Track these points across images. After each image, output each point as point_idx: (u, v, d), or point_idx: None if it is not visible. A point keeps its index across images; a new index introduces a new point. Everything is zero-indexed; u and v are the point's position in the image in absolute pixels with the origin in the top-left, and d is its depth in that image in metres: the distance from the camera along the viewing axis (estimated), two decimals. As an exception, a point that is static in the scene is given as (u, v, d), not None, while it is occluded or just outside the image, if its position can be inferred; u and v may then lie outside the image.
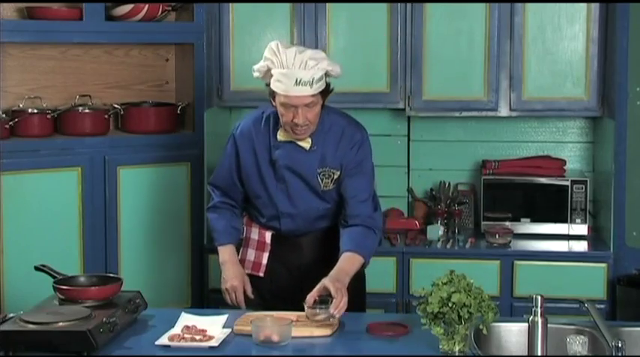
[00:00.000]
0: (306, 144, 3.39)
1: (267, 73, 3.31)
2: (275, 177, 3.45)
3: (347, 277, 3.24)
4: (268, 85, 3.32)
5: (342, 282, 3.18)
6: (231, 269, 3.49)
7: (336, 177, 3.42)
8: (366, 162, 3.45)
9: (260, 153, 3.46)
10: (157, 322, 3.15)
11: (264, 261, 3.57)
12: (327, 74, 3.30)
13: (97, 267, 4.22)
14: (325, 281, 3.14)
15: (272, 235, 3.56)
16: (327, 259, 3.40)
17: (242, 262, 3.57)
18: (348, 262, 3.30)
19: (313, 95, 3.25)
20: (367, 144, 3.46)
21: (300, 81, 3.22)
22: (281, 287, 3.55)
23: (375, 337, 3.01)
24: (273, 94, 3.32)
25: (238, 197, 3.57)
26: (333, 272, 3.23)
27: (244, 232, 3.62)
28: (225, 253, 3.52)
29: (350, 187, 3.42)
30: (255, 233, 3.60)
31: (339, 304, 3.07)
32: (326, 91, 3.32)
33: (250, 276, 3.54)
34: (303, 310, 3.11)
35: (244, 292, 3.48)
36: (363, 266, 3.38)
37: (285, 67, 3.23)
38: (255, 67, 3.36)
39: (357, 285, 3.44)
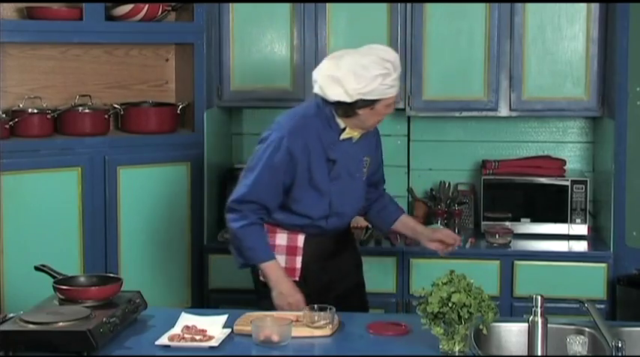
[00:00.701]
0: (358, 134, 3.50)
1: (375, 87, 3.33)
2: (329, 176, 3.48)
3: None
4: (366, 100, 3.34)
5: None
6: (288, 283, 3.45)
7: (368, 165, 3.60)
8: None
9: (315, 158, 3.44)
10: (157, 322, 3.15)
11: (298, 265, 3.54)
12: None
13: (97, 267, 4.22)
14: (443, 232, 3.79)
15: (305, 238, 3.54)
16: (349, 252, 3.68)
17: None
18: (411, 219, 3.87)
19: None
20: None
21: (396, 84, 3.43)
22: (317, 287, 3.53)
23: (375, 337, 3.01)
24: (372, 103, 3.36)
25: (274, 208, 3.49)
26: (418, 229, 3.79)
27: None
28: (275, 269, 3.46)
29: (380, 172, 3.74)
30: (283, 239, 3.55)
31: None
32: None
33: None
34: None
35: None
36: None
37: (396, 72, 3.39)
38: (367, 89, 3.33)
39: (359, 292, 3.71)
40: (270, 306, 3.41)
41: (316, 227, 3.53)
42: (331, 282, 3.57)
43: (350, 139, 3.49)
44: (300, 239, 3.54)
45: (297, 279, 3.52)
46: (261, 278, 3.52)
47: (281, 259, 3.53)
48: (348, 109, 3.38)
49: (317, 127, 3.44)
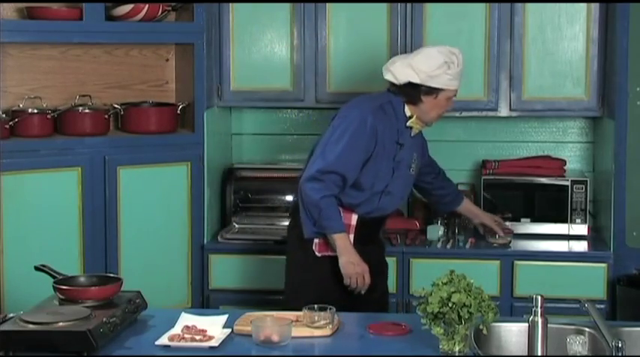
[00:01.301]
0: (417, 129, 3.82)
1: (440, 74, 3.67)
2: (395, 158, 3.75)
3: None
4: (430, 87, 3.67)
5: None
6: (356, 254, 3.68)
7: (417, 162, 3.91)
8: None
9: (389, 134, 3.72)
10: (157, 322, 3.15)
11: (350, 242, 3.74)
12: None
13: (97, 267, 4.22)
14: (490, 216, 4.35)
15: (358, 218, 3.75)
16: (374, 247, 3.91)
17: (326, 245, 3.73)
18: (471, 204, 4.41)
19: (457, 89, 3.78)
20: None
21: (458, 77, 3.74)
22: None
23: (375, 337, 3.01)
24: (436, 92, 3.69)
25: (352, 180, 3.71)
26: (477, 212, 4.37)
27: None
28: (346, 240, 3.69)
29: (431, 161, 4.22)
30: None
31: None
32: None
33: (333, 257, 3.70)
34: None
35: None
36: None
37: (458, 66, 3.70)
38: (435, 72, 3.67)
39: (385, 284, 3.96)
40: (298, 306, 3.42)
41: (369, 204, 3.75)
42: (371, 264, 3.75)
43: (410, 131, 3.77)
44: (354, 218, 3.75)
45: None
46: (318, 254, 3.71)
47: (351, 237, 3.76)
48: (414, 95, 3.69)
49: (391, 112, 3.74)
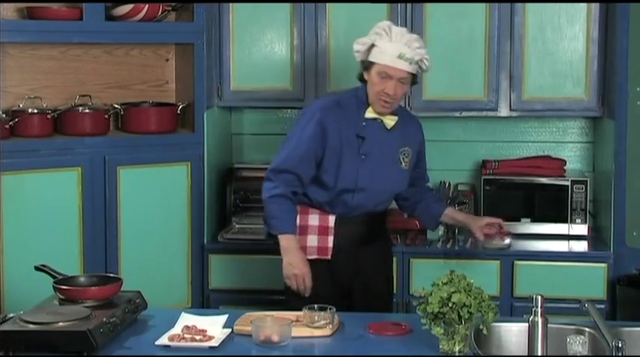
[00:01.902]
0: (391, 122, 3.68)
1: (370, 48, 3.60)
2: (359, 151, 3.66)
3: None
4: (364, 61, 3.62)
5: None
6: (297, 255, 3.62)
7: (410, 156, 3.76)
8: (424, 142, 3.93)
9: (345, 130, 3.65)
10: (157, 322, 3.16)
11: (330, 244, 3.71)
12: (419, 65, 3.62)
13: (97, 267, 4.22)
14: (489, 219, 3.99)
15: (335, 219, 3.70)
16: (381, 246, 3.83)
17: (302, 249, 3.67)
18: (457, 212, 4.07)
19: (409, 72, 3.58)
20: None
21: (402, 55, 3.55)
22: (346, 271, 3.73)
23: (375, 337, 3.01)
24: (369, 67, 3.60)
25: (306, 180, 3.67)
26: (467, 217, 4.05)
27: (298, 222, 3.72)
28: (289, 240, 3.64)
29: (421, 168, 3.93)
30: (315, 220, 3.73)
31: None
32: (415, 78, 3.66)
33: (315, 261, 3.67)
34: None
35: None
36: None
37: (393, 41, 3.56)
38: (360, 40, 3.64)
39: (387, 285, 3.87)
40: (298, 307, 3.41)
41: (343, 203, 3.68)
42: (360, 268, 3.73)
43: (376, 121, 3.66)
44: (331, 219, 3.71)
45: (329, 257, 3.71)
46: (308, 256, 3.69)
47: (313, 238, 3.71)
48: (361, 73, 3.66)
49: (351, 104, 3.69)
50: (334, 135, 3.63)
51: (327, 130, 3.63)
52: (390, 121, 3.69)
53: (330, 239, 3.71)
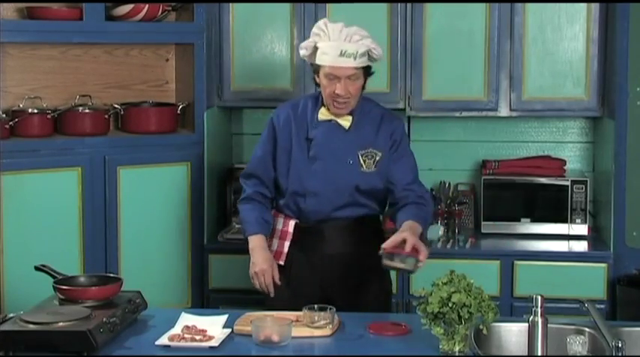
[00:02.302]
0: (346, 122, 3.54)
1: (314, 51, 3.49)
2: (308, 154, 3.56)
3: (416, 233, 3.36)
4: (313, 64, 3.52)
5: (416, 237, 3.30)
6: (260, 254, 3.56)
7: (378, 158, 3.54)
8: (407, 147, 3.63)
9: (296, 132, 3.58)
10: (157, 322, 3.16)
11: (285, 249, 3.62)
12: (369, 55, 3.47)
13: (97, 267, 4.22)
14: (405, 234, 3.27)
15: (295, 224, 3.61)
16: (351, 253, 3.57)
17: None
18: (412, 225, 3.38)
19: (356, 68, 3.43)
20: (405, 130, 3.69)
21: (344, 52, 3.41)
22: (300, 277, 3.60)
23: (375, 337, 3.01)
24: (317, 70, 3.50)
25: (269, 183, 3.66)
26: (406, 228, 3.34)
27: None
28: (254, 240, 3.60)
29: (396, 171, 3.56)
30: (279, 223, 3.66)
31: (425, 255, 3.25)
32: (367, 70, 3.51)
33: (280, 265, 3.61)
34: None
35: (273, 277, 3.54)
36: (421, 236, 3.42)
37: (332, 40, 3.43)
38: (303, 44, 3.54)
39: (384, 286, 3.67)
40: (272, 307, 3.42)
41: (297, 207, 3.59)
42: (314, 274, 3.58)
43: (330, 122, 3.54)
44: (291, 224, 3.62)
45: (281, 262, 3.60)
46: None
47: (275, 242, 3.65)
48: (316, 76, 3.54)
49: (307, 106, 3.62)
50: (284, 136, 3.59)
51: (277, 130, 3.61)
52: (344, 121, 3.54)
53: (286, 244, 3.61)
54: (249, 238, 3.60)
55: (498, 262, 4.37)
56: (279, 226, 3.66)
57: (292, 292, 3.57)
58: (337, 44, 3.42)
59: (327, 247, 3.58)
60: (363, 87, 3.53)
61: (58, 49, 4.46)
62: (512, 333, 3.07)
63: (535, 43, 4.49)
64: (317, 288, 3.57)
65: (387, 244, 3.24)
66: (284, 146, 3.59)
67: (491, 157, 4.83)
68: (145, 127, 4.45)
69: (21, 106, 4.29)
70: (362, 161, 3.53)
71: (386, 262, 3.22)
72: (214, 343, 2.92)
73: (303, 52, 3.54)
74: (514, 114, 4.58)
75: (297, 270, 3.61)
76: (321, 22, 3.51)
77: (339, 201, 3.55)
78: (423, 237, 3.43)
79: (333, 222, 3.57)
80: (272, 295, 3.53)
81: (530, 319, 2.78)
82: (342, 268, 3.57)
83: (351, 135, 3.54)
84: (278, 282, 3.54)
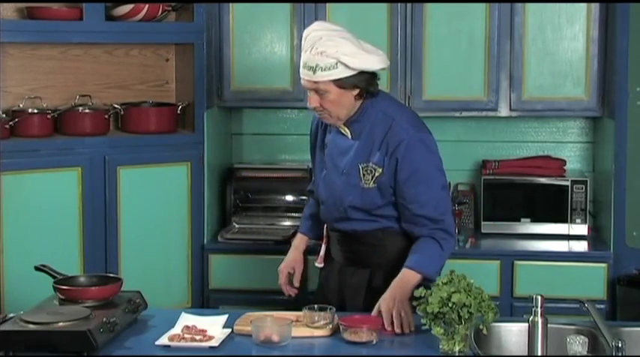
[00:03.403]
0: (347, 131, 3.29)
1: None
2: (321, 160, 3.41)
3: (402, 292, 3.10)
4: None
5: (395, 299, 3.07)
6: (289, 255, 3.60)
7: (377, 174, 3.23)
8: (419, 169, 3.21)
9: (320, 136, 3.43)
10: (157, 322, 3.15)
11: (322, 252, 3.53)
12: (344, 65, 3.13)
13: (97, 267, 4.22)
14: (380, 301, 3.08)
15: (326, 228, 3.51)
16: (358, 275, 3.37)
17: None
18: (402, 279, 3.14)
19: (316, 82, 3.14)
20: (418, 148, 3.21)
21: (305, 64, 3.16)
22: (325, 284, 3.51)
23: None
24: None
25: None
26: (388, 289, 3.12)
27: None
28: (295, 240, 3.66)
29: (405, 195, 3.23)
30: (324, 227, 3.54)
31: (390, 322, 3.02)
32: (344, 83, 3.15)
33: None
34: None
35: (293, 279, 3.56)
36: (430, 279, 3.11)
37: (303, 49, 3.19)
38: None
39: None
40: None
41: (321, 213, 3.48)
42: (332, 282, 3.47)
43: (339, 129, 3.31)
44: (325, 227, 3.52)
45: (320, 265, 3.53)
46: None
47: (323, 246, 3.54)
48: None
49: None
50: (314, 139, 3.48)
51: (311, 133, 3.49)
52: (345, 130, 3.29)
53: (323, 247, 3.51)
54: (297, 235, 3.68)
55: (498, 262, 4.37)
56: (324, 230, 3.54)
57: (321, 296, 3.45)
58: (303, 55, 3.18)
59: (337, 256, 3.46)
60: (360, 96, 3.21)
61: (58, 49, 4.46)
62: (512, 333, 3.07)
63: (535, 43, 4.49)
64: (336, 295, 3.40)
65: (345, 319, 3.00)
66: (314, 148, 3.51)
67: (491, 157, 4.83)
68: (145, 127, 4.45)
69: (21, 106, 4.29)
70: (361, 175, 3.27)
71: (346, 334, 2.95)
72: (214, 343, 2.92)
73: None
74: (514, 114, 4.58)
75: (328, 274, 3.49)
76: (305, 32, 3.24)
77: (336, 213, 3.36)
78: (430, 279, 3.13)
79: (337, 232, 3.42)
80: (287, 295, 3.56)
81: (530, 319, 2.78)
82: (352, 282, 3.39)
83: (354, 145, 3.28)
84: (295, 284, 3.54)
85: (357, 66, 3.15)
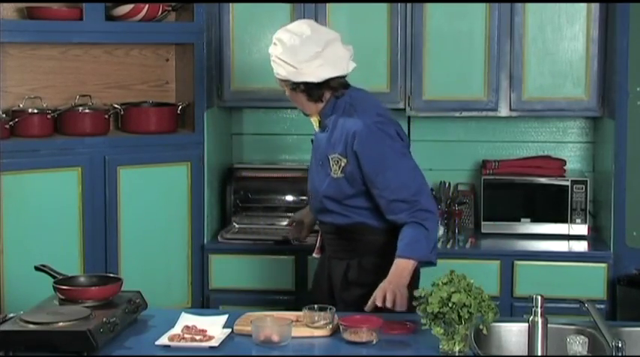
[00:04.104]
0: (315, 123, 3.50)
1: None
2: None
3: (398, 279, 3.21)
4: None
5: (392, 283, 3.19)
6: (303, 210, 3.91)
7: (343, 164, 3.35)
8: (380, 156, 3.31)
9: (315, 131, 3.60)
10: (157, 322, 3.16)
11: (318, 244, 3.69)
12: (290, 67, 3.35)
13: (97, 267, 4.22)
14: (376, 291, 3.19)
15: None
16: (335, 261, 3.52)
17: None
18: (397, 269, 3.24)
19: (278, 78, 3.42)
20: (375, 136, 3.32)
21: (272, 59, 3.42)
22: (321, 269, 3.66)
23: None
24: None
25: None
26: (385, 280, 3.22)
27: None
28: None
29: (376, 185, 3.32)
30: None
31: (382, 300, 3.14)
32: (295, 88, 3.40)
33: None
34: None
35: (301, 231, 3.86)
36: (427, 263, 3.32)
37: (275, 48, 3.41)
38: None
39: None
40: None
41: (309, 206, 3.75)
42: (324, 272, 3.62)
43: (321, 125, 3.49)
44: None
45: (316, 255, 3.71)
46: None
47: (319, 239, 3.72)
48: None
49: None
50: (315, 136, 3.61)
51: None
52: (314, 121, 3.51)
53: (319, 239, 3.68)
54: None
55: (498, 262, 4.37)
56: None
57: (316, 284, 3.67)
58: (278, 52, 3.39)
59: (326, 247, 3.60)
60: (317, 100, 3.41)
61: (58, 49, 4.46)
62: (512, 333, 3.07)
63: (535, 43, 4.49)
64: (326, 283, 3.57)
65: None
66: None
67: (491, 157, 4.83)
68: (145, 127, 4.45)
69: (21, 106, 4.29)
70: (331, 166, 3.39)
71: (345, 335, 2.95)
72: (214, 343, 2.92)
73: None
74: (514, 114, 4.58)
75: (319, 264, 3.69)
76: (278, 32, 3.44)
77: (316, 203, 3.50)
78: (427, 264, 3.31)
79: (320, 225, 3.59)
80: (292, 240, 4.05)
81: (530, 319, 2.78)
82: (334, 273, 3.52)
83: (325, 136, 3.43)
84: (304, 237, 3.88)
85: (294, 78, 3.37)
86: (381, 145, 3.31)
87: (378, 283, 3.22)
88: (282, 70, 3.37)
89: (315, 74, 3.34)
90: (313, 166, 3.53)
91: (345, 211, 3.42)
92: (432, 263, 3.32)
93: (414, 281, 3.33)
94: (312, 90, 3.39)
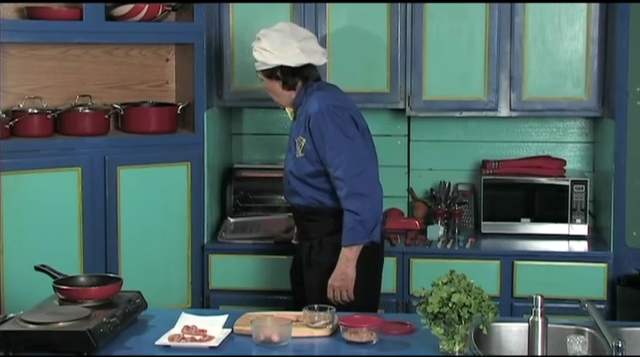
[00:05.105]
0: (290, 113, 3.89)
1: None
2: None
3: (345, 269, 3.69)
4: None
5: (337, 279, 3.69)
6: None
7: (303, 144, 3.74)
8: (327, 136, 3.68)
9: None
10: (157, 322, 3.16)
11: (296, 230, 4.05)
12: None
13: (97, 267, 4.22)
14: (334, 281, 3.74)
15: None
16: (303, 237, 3.90)
17: None
18: (340, 259, 3.72)
19: (257, 70, 3.80)
20: (326, 117, 3.68)
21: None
22: (298, 255, 3.98)
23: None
24: None
25: None
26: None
27: None
28: None
29: (325, 161, 3.71)
30: None
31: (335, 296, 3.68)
32: (271, 73, 3.77)
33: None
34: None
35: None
36: (371, 243, 3.70)
37: (257, 42, 3.81)
38: None
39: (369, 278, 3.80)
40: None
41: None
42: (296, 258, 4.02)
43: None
44: None
45: (297, 242, 4.00)
46: None
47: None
48: None
49: None
50: None
51: None
52: (289, 112, 3.89)
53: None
54: None
55: (498, 262, 4.37)
56: None
57: (293, 269, 4.02)
58: (262, 45, 3.78)
59: (298, 231, 3.96)
60: (287, 87, 3.77)
61: (58, 49, 4.46)
62: (512, 333, 3.07)
63: (535, 43, 4.49)
64: (298, 267, 3.93)
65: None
66: None
67: (491, 157, 4.83)
68: (145, 127, 4.45)
69: (21, 106, 4.29)
70: (297, 146, 3.77)
71: (345, 334, 2.96)
72: (214, 343, 2.92)
73: None
74: (514, 114, 4.58)
75: (297, 251, 4.00)
76: (263, 29, 3.83)
77: (286, 185, 3.86)
78: (379, 250, 3.84)
79: (292, 210, 3.91)
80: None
81: (530, 319, 2.78)
82: (302, 254, 3.88)
83: (295, 123, 3.84)
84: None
85: (271, 61, 3.72)
86: (331, 125, 3.68)
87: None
88: (259, 56, 3.74)
89: (291, 59, 3.71)
90: (287, 153, 3.86)
91: (309, 191, 3.76)
92: (377, 243, 3.74)
93: (373, 265, 3.79)
94: (287, 76, 3.74)
